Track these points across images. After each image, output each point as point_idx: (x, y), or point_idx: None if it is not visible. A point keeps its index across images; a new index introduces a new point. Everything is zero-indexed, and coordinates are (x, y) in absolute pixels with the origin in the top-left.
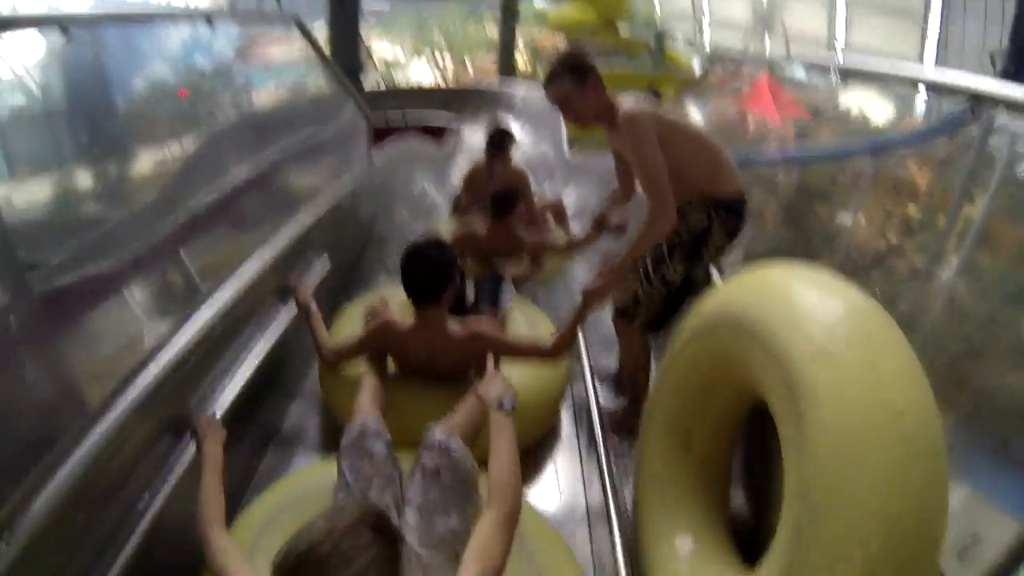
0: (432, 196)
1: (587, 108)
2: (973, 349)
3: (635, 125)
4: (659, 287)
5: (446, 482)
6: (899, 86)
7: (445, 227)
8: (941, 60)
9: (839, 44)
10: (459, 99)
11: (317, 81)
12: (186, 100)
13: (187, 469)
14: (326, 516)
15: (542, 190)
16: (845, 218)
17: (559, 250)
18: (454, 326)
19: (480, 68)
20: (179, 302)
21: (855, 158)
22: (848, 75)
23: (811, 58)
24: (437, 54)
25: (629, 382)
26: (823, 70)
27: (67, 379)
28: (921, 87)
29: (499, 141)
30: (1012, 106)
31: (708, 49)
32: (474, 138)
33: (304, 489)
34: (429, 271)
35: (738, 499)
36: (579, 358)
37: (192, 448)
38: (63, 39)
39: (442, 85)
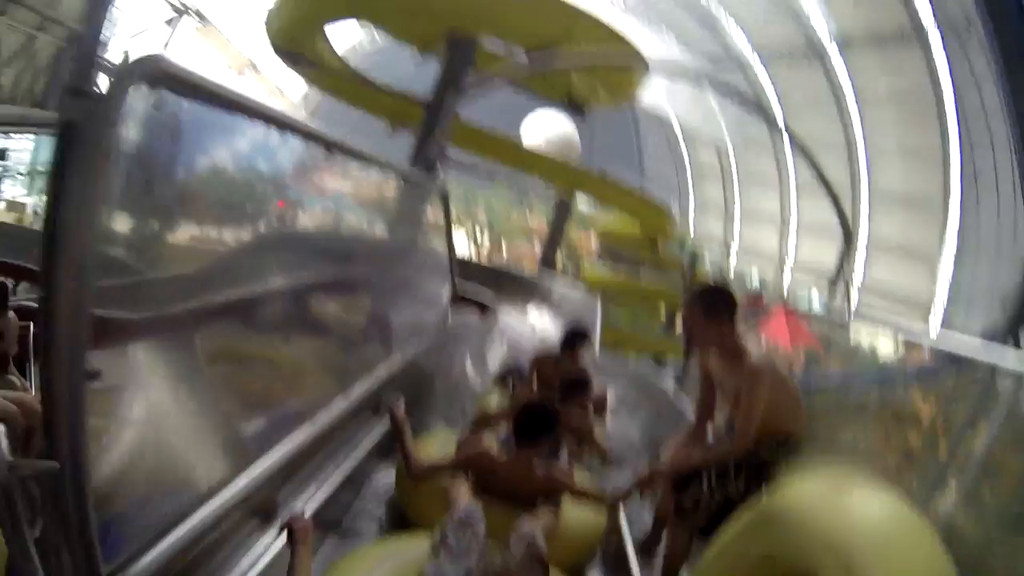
0: (470, 370)
1: (705, 337)
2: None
3: (759, 379)
4: (719, 499)
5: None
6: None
7: (491, 399)
8: (952, 298)
9: (855, 283)
10: (499, 280)
11: (439, 247)
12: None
13: (270, 561)
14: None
15: None
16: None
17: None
18: (539, 466)
19: (515, 253)
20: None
21: (862, 388)
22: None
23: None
24: (477, 230)
25: (667, 570)
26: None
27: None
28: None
29: (572, 339)
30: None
31: (732, 275)
32: (510, 321)
33: (390, 556)
34: (541, 423)
35: None
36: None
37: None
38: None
39: (477, 261)
